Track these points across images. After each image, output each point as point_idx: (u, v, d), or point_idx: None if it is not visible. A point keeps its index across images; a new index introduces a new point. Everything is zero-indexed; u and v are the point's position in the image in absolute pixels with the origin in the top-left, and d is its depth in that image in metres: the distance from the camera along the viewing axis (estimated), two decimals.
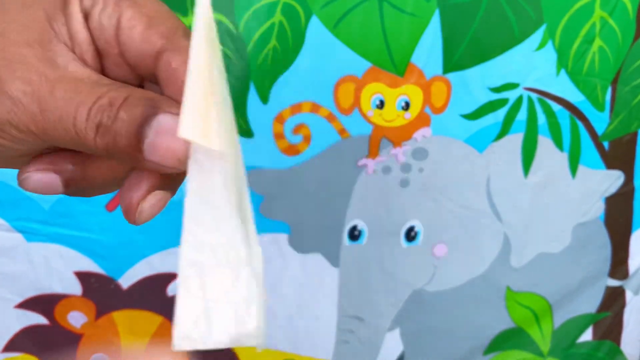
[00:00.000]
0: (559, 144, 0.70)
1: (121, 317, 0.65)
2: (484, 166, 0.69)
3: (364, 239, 0.68)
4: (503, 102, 0.67)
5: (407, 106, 0.64)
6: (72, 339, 0.65)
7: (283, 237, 0.66)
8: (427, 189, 0.68)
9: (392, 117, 0.64)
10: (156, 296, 0.65)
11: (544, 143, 0.69)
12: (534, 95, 0.67)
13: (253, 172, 0.63)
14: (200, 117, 0.19)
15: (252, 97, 0.60)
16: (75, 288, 0.63)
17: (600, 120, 0.70)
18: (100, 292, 0.64)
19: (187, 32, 0.22)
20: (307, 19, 0.59)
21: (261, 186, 0.64)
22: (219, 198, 0.20)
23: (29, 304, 0.63)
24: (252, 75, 0.60)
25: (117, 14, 0.22)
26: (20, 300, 0.63)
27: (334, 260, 0.68)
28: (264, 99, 0.61)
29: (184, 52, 0.21)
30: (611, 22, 0.65)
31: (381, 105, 0.64)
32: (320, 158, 0.64)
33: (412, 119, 0.65)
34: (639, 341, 0.82)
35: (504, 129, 0.68)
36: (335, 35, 0.60)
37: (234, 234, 0.20)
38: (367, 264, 0.69)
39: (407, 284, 0.71)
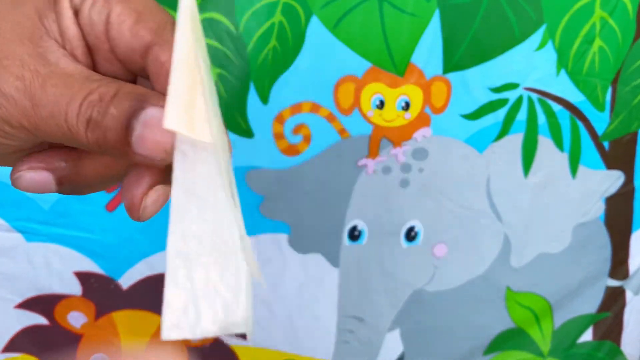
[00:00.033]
0: (559, 144, 0.70)
1: (121, 317, 0.65)
2: (484, 166, 0.69)
3: (364, 239, 0.68)
4: (503, 102, 0.66)
5: (407, 106, 0.64)
6: (72, 339, 0.65)
7: (283, 237, 0.66)
8: (427, 189, 0.68)
9: (392, 117, 0.64)
10: (156, 296, 0.64)
11: (544, 143, 0.69)
12: (534, 96, 0.67)
13: (253, 172, 0.63)
14: (185, 108, 0.19)
15: (252, 97, 0.60)
16: (75, 288, 0.63)
17: (601, 121, 0.70)
18: (100, 292, 0.64)
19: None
20: (307, 19, 0.59)
21: (261, 186, 0.64)
22: (204, 188, 0.20)
23: (29, 304, 0.63)
24: (252, 75, 0.59)
25: (106, 10, 0.22)
26: (20, 300, 0.63)
27: (334, 260, 0.68)
28: (264, 99, 0.61)
29: (173, 46, 0.21)
30: (611, 22, 0.65)
31: (381, 105, 0.64)
32: (320, 158, 0.64)
33: (412, 119, 0.65)
34: (639, 341, 0.81)
35: (504, 129, 0.68)
36: (335, 35, 0.60)
37: (221, 224, 0.20)
38: (367, 264, 0.69)
39: (407, 284, 0.71)
